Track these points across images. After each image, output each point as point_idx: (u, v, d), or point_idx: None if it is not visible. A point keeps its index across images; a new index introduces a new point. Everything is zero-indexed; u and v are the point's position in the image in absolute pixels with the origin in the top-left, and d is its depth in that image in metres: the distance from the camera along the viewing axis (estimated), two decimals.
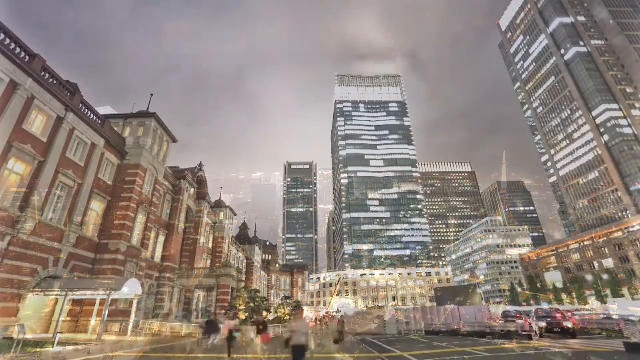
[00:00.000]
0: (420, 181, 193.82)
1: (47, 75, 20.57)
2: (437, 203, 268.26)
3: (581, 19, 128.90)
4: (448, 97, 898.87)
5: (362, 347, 18.57)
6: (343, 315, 43.66)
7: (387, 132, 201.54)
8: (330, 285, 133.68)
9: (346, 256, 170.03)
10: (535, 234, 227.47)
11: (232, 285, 39.24)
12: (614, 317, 32.86)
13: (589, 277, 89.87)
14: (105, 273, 24.10)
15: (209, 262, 47.39)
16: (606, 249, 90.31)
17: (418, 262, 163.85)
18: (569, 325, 20.96)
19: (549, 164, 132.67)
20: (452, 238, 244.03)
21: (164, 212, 35.67)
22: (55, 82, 21.19)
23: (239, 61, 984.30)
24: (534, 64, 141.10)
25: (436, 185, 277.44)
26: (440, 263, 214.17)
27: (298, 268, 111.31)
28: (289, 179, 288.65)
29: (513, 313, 30.31)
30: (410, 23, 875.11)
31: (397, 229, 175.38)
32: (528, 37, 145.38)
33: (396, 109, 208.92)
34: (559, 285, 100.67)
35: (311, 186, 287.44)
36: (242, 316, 34.81)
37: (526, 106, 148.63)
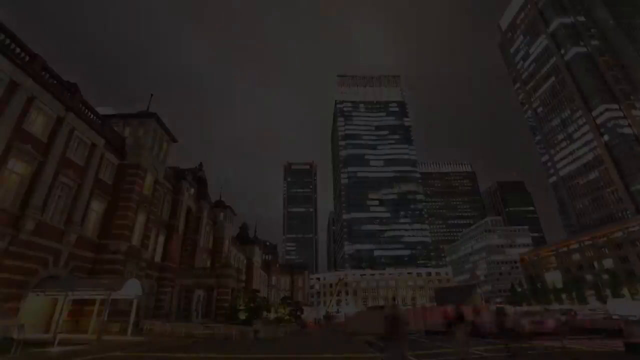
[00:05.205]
0: (420, 181, 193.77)
1: (47, 75, 20.56)
2: (437, 203, 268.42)
3: (581, 19, 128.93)
4: (447, 97, 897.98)
5: (362, 347, 18.58)
6: None
7: (387, 132, 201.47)
8: (330, 285, 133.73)
9: (346, 256, 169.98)
10: (535, 234, 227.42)
11: (232, 285, 39.26)
12: (614, 317, 32.88)
13: (589, 277, 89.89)
14: (105, 273, 24.09)
15: (209, 262, 47.40)
16: (606, 249, 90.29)
17: (418, 262, 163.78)
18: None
19: (549, 164, 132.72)
20: (452, 238, 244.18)
21: (164, 212, 35.67)
22: (55, 82, 21.18)
23: (240, 60, 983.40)
24: (534, 64, 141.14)
25: (436, 185, 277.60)
26: (440, 263, 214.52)
27: (298, 268, 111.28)
28: (289, 179, 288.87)
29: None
30: (409, 22, 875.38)
31: (397, 229, 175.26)
32: (528, 37, 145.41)
33: (396, 109, 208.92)
34: (559, 285, 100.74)
35: (311, 186, 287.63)
36: (242, 316, 34.83)
37: (526, 106, 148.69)
